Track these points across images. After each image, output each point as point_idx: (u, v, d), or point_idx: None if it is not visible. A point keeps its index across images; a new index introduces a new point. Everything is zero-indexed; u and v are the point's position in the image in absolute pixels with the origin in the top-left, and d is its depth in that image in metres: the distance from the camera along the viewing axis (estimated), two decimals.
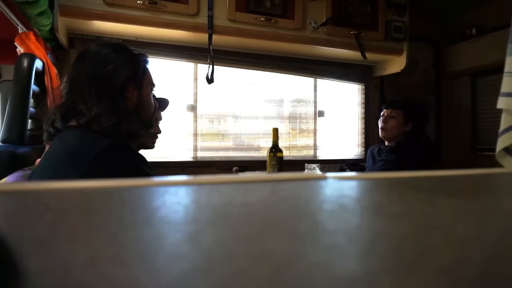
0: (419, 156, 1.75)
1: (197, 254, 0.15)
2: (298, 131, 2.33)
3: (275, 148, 1.64)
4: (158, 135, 1.25)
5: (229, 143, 2.15)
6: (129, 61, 0.91)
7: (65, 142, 0.83)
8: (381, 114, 1.86)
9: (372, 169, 1.86)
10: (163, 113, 1.30)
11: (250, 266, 0.13)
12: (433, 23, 2.68)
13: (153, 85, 1.00)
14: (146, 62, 0.98)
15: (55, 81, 1.39)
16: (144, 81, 0.95)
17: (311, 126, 2.34)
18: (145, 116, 0.96)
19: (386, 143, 1.88)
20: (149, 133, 1.06)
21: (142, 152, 1.29)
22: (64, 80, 0.92)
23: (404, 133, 1.81)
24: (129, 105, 0.91)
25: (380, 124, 1.84)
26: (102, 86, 0.85)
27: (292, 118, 2.31)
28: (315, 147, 2.35)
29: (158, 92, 1.07)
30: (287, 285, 0.12)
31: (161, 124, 1.27)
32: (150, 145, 1.23)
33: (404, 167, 1.68)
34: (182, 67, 2.02)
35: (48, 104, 1.31)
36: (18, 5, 1.17)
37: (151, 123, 1.01)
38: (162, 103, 1.32)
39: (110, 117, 0.84)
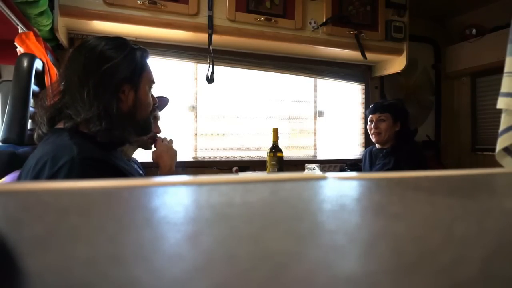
0: (416, 157, 1.76)
1: (197, 254, 0.15)
2: (298, 131, 2.33)
3: (275, 148, 1.64)
4: (158, 134, 1.24)
5: (229, 143, 2.15)
6: (127, 59, 0.84)
7: (44, 146, 0.78)
8: (369, 120, 1.88)
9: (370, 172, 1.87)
10: (161, 112, 1.29)
11: (250, 266, 0.13)
12: (433, 23, 2.68)
13: (152, 82, 0.92)
14: (146, 57, 0.90)
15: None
16: (142, 80, 0.88)
17: (311, 126, 2.34)
18: (141, 117, 0.89)
19: (379, 146, 1.89)
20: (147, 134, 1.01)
21: (140, 152, 1.28)
22: (58, 77, 0.86)
23: (395, 134, 1.83)
24: (124, 108, 0.84)
25: (371, 130, 1.86)
26: (96, 88, 0.78)
27: (292, 118, 2.30)
28: (315, 147, 2.35)
29: (158, 92, 1.05)
30: (287, 285, 0.12)
31: (161, 124, 1.26)
32: (149, 146, 1.22)
33: (404, 170, 1.68)
34: (182, 67, 2.02)
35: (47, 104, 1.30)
36: (18, 5, 1.17)
37: (149, 125, 0.94)
38: (162, 102, 1.31)
39: (100, 122, 0.78)
